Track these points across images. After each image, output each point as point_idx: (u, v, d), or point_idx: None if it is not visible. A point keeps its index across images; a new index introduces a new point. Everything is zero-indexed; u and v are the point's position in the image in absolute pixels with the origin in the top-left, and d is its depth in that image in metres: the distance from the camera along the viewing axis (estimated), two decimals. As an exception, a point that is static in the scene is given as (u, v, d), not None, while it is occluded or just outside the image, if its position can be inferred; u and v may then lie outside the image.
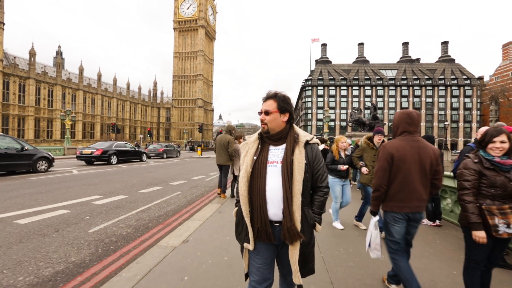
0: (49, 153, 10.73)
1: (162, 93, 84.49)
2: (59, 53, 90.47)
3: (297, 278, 1.39)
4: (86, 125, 59.82)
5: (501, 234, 1.84)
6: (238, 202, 1.55)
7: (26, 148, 9.62)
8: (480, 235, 1.85)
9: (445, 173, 4.54)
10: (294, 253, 1.39)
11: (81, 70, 58.48)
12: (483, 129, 3.26)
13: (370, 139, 4.18)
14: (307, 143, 1.47)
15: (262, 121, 1.48)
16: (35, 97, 49.41)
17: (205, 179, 10.06)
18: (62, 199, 5.86)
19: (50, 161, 10.53)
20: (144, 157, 17.88)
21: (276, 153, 1.46)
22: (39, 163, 10.01)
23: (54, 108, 53.01)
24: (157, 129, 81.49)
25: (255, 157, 1.47)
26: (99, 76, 62.87)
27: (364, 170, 4.01)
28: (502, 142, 1.90)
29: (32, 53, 48.87)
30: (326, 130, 28.99)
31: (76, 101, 57.65)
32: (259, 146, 1.51)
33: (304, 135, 1.49)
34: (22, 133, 47.54)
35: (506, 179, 1.87)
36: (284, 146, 1.47)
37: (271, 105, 1.47)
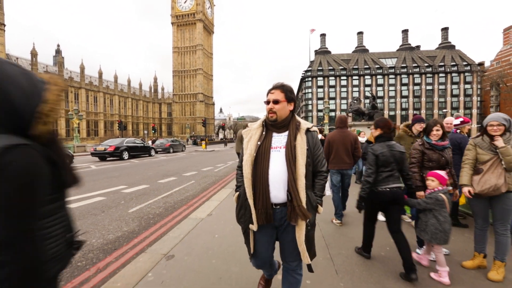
0: (70, 151, 11.64)
1: (163, 89, 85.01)
2: (58, 52, 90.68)
3: (305, 257, 1.49)
4: (89, 123, 60.69)
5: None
6: (238, 187, 1.68)
7: (50, 146, 10.52)
8: (420, 194, 2.69)
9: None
10: (300, 234, 1.47)
11: (82, 68, 58.99)
12: (449, 119, 4.08)
13: (409, 126, 3.98)
14: (307, 130, 1.57)
15: (271, 109, 1.55)
16: (39, 97, 50.16)
17: (214, 170, 10.95)
18: (94, 189, 6.78)
19: (71, 158, 11.39)
20: (153, 152, 18.84)
21: (279, 139, 1.56)
22: (61, 160, 10.93)
23: (58, 107, 53.72)
24: (159, 125, 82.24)
25: (259, 143, 1.55)
26: (100, 74, 63.40)
27: None
28: (437, 130, 2.73)
29: (34, 54, 49.46)
30: (326, 121, 29.73)
31: (79, 100, 58.39)
32: (263, 133, 1.59)
33: (304, 123, 1.60)
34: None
35: (439, 155, 2.71)
36: (286, 133, 1.57)
37: (279, 94, 1.55)
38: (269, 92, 1.60)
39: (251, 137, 1.61)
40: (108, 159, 15.58)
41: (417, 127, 3.75)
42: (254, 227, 1.52)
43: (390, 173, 2.50)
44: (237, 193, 1.68)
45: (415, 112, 68.22)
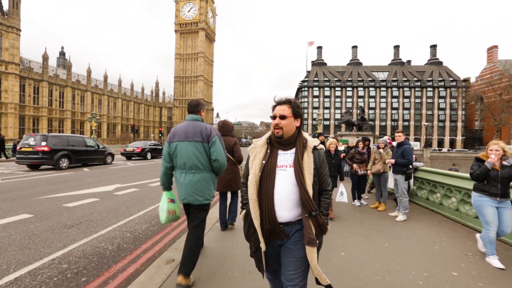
0: (112, 150, 14.50)
1: (164, 93, 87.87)
2: (63, 54, 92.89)
3: (323, 279, 1.45)
4: (90, 124, 62.88)
5: (360, 174, 5.74)
6: (244, 204, 1.61)
7: (100, 146, 13.39)
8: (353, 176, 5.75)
9: (423, 167, 5.92)
10: (313, 256, 1.40)
11: (89, 72, 61.65)
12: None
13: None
14: (314, 148, 1.53)
15: (277, 125, 1.50)
16: (48, 99, 52.62)
17: (228, 169, 13.87)
18: (153, 176, 9.67)
19: (113, 156, 14.32)
20: (168, 154, 21.69)
21: (285, 157, 1.52)
22: (107, 158, 13.81)
23: (64, 109, 56.22)
24: (159, 128, 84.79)
25: (264, 161, 1.51)
26: (105, 77, 66.09)
27: None
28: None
29: (45, 58, 52.03)
30: (319, 130, 32.97)
31: (84, 102, 60.90)
32: (268, 151, 1.55)
33: (311, 141, 1.55)
34: (36, 132, 50.75)
35: (361, 156, 5.78)
36: (292, 150, 1.52)
37: (286, 110, 1.51)
38: (275, 106, 1.56)
39: (256, 155, 1.57)
40: (132, 158, 18.39)
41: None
42: (262, 246, 1.49)
43: None
44: (244, 211, 1.60)
45: (404, 123, 72.31)
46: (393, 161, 4.82)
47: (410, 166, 4.78)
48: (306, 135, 1.60)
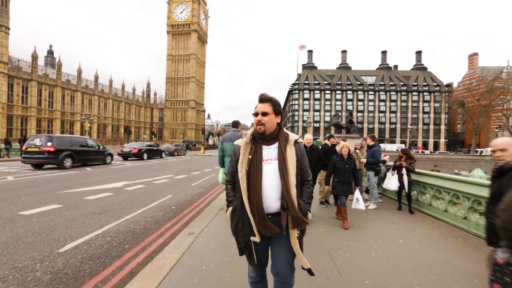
0: (111, 151, 15.09)
1: (155, 94, 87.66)
2: (51, 53, 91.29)
3: (304, 262, 1.57)
4: (83, 125, 62.22)
5: (340, 171, 6.75)
6: (230, 202, 1.72)
7: (101, 147, 13.99)
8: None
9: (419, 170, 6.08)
10: (295, 241, 1.55)
11: (79, 72, 61.05)
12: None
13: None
14: (295, 142, 1.66)
15: (259, 121, 1.61)
16: (37, 98, 51.93)
17: (223, 168, 14.74)
18: (154, 175, 10.42)
19: (112, 156, 14.91)
20: (163, 155, 22.33)
21: (269, 151, 1.63)
22: (107, 158, 14.41)
23: (54, 109, 55.54)
24: (150, 129, 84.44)
25: (250, 156, 1.60)
26: (96, 77, 65.58)
27: None
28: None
29: (35, 57, 51.37)
30: (309, 132, 34.25)
31: (75, 102, 60.27)
32: (252, 146, 1.65)
33: (292, 135, 1.67)
34: (24, 132, 49.91)
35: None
36: (275, 145, 1.64)
37: (268, 107, 1.63)
38: (257, 105, 1.68)
39: (241, 151, 1.65)
40: (129, 159, 18.94)
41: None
42: (256, 238, 1.56)
43: None
44: (231, 208, 1.70)
45: (391, 125, 74.87)
46: (365, 160, 5.85)
47: (380, 164, 5.82)
48: (286, 130, 1.74)
